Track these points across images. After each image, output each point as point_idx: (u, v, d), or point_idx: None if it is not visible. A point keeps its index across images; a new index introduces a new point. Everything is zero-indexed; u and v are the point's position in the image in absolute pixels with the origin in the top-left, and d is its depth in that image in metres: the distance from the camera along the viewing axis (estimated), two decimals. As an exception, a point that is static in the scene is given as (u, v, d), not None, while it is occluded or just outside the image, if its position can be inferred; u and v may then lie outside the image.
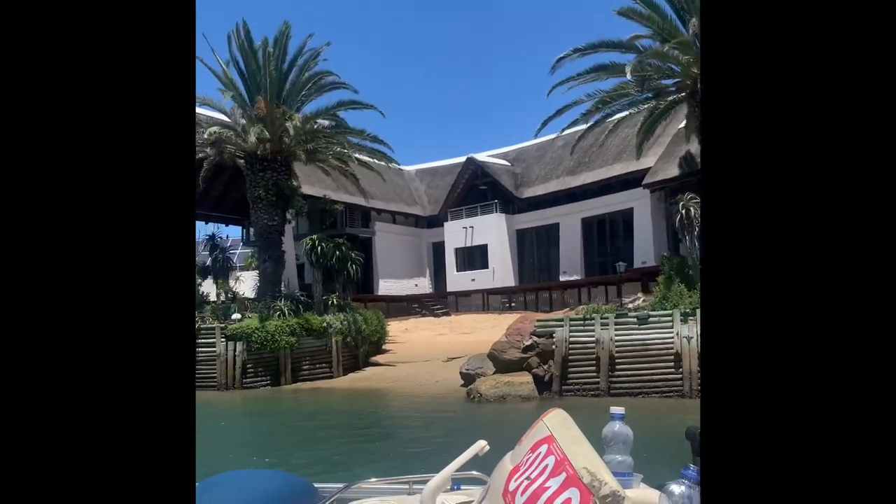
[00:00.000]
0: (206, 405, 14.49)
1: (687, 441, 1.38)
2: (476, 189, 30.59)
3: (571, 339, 12.81)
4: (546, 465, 1.16)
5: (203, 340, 17.73)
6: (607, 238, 26.10)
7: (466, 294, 29.06)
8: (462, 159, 32.41)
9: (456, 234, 29.92)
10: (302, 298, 19.87)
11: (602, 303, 19.48)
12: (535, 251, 28.85)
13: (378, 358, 20.50)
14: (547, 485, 1.11)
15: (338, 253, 20.44)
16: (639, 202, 23.78)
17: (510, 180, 29.73)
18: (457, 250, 29.97)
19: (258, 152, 20.04)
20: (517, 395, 12.47)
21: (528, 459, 1.25)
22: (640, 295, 17.54)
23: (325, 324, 18.58)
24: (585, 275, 26.17)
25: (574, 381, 12.67)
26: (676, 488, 1.06)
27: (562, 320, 13.16)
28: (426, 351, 20.82)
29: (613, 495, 1.00)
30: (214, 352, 17.50)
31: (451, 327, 25.10)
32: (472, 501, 1.42)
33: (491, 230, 28.84)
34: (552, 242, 27.96)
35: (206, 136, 19.17)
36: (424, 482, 1.41)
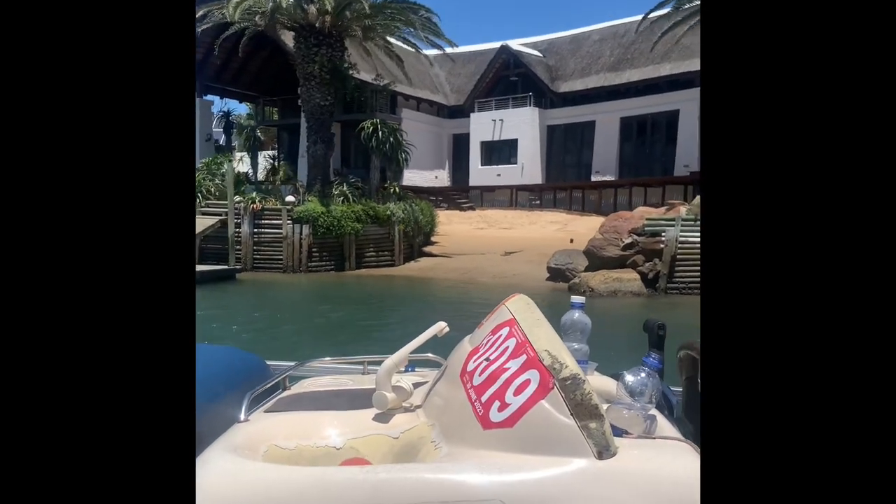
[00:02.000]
0: (316, 287, 14.03)
1: (644, 333, 1.44)
2: (505, 80, 29.58)
3: (681, 238, 12.95)
4: (506, 347, 1.16)
5: (268, 221, 17.30)
6: (647, 140, 25.93)
7: (491, 189, 28.81)
8: (486, 46, 31.13)
9: (483, 126, 29.18)
10: (359, 184, 19.34)
11: (644, 205, 19.60)
12: (566, 149, 28.53)
13: (429, 249, 20.44)
14: (507, 366, 1.11)
15: (391, 139, 19.78)
16: (686, 104, 23.48)
17: (545, 73, 28.80)
18: (483, 143, 29.36)
19: (316, 25, 18.68)
20: (628, 290, 12.70)
21: (487, 341, 1.24)
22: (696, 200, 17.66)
23: (388, 212, 18.26)
24: (620, 176, 26.17)
25: (679, 279, 12.93)
26: (634, 376, 1.08)
27: (673, 220, 13.23)
28: (473, 244, 20.85)
29: (574, 378, 0.99)
30: (280, 233, 17.13)
31: (487, 222, 25.07)
32: (427, 381, 1.43)
33: (523, 124, 28.21)
34: (586, 141, 27.64)
35: (235, 7, 17.62)
36: (379, 363, 1.42)
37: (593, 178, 26.79)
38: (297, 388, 1.57)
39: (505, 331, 1.22)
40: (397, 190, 19.10)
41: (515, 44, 29.95)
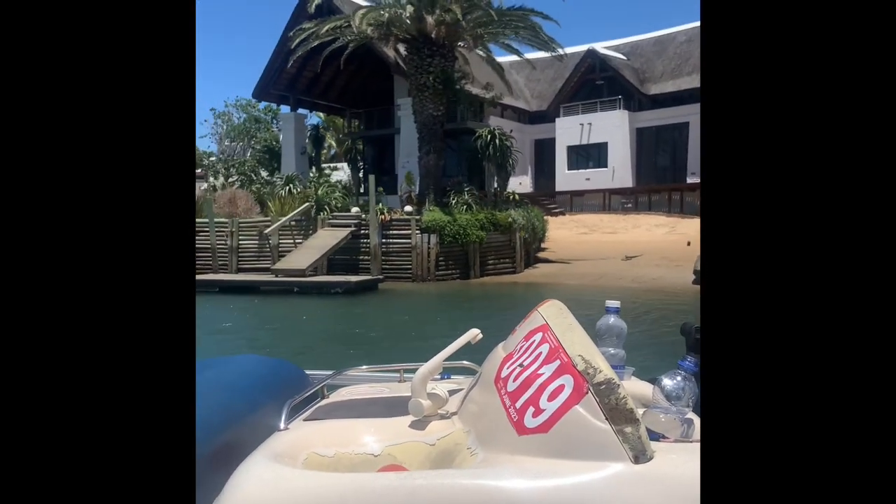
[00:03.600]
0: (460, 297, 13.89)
1: (682, 336, 1.39)
2: (590, 84, 29.41)
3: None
4: (540, 353, 1.15)
5: (396, 232, 17.45)
6: (748, 139, 25.45)
7: (580, 193, 28.63)
8: (564, 51, 30.97)
9: (570, 130, 29.05)
10: (474, 192, 19.41)
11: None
12: (657, 151, 28.21)
13: (542, 255, 20.39)
14: (540, 371, 1.10)
15: (503, 147, 19.82)
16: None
17: (633, 76, 28.56)
18: (569, 147, 29.23)
19: (432, 35, 18.85)
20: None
21: (521, 347, 1.23)
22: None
23: (510, 219, 18.28)
24: (719, 177, 25.73)
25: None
26: (671, 380, 1.05)
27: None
28: (583, 249, 20.72)
29: (608, 382, 0.97)
30: (409, 243, 17.27)
31: (587, 227, 24.91)
32: (462, 389, 1.42)
33: (612, 128, 28.00)
34: (679, 142, 27.28)
35: (361, 18, 17.87)
36: (414, 370, 1.40)
37: (689, 181, 26.40)
38: (335, 397, 1.57)
39: (538, 336, 1.21)
40: (516, 197, 19.09)
41: (600, 47, 29.77)
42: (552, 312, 1.26)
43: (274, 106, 30.66)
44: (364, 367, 1.75)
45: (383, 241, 17.48)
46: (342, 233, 17.20)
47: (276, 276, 15.89)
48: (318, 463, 1.23)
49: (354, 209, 19.02)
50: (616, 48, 30.73)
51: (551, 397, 1.04)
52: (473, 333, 1.46)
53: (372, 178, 17.75)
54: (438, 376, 1.46)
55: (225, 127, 32.23)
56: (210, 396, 1.31)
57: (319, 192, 18.72)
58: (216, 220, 19.25)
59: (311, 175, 21.75)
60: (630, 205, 27.60)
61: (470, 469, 1.11)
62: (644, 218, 25.40)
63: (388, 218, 17.52)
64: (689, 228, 21.22)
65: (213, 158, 31.03)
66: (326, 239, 17.09)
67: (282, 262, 16.28)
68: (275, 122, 31.92)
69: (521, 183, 30.62)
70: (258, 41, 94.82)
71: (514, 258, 18.54)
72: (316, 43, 19.70)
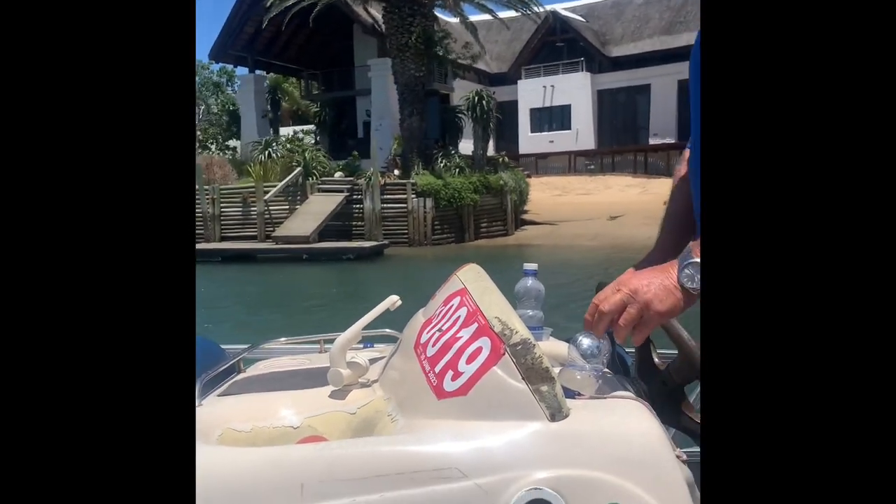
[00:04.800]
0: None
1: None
2: (550, 45, 29.58)
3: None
4: (458, 317, 1.17)
5: (391, 196, 17.20)
6: (708, 101, 26.40)
7: (544, 156, 28.99)
8: (544, 9, 31.05)
9: (532, 93, 29.22)
10: (461, 156, 19.31)
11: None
12: (619, 113, 28.84)
13: (527, 217, 20.62)
14: (458, 335, 1.12)
15: (488, 110, 19.76)
16: (749, 65, 23.97)
17: (594, 38, 28.90)
18: (532, 110, 29.44)
19: (415, -7, 18.39)
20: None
21: (440, 312, 1.25)
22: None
23: (501, 181, 18.34)
24: (680, 138, 26.65)
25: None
26: (585, 339, 1.07)
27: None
28: (564, 211, 21.10)
29: (524, 342, 1.00)
30: (405, 208, 17.06)
31: (560, 189, 25.31)
32: (384, 357, 1.42)
33: (575, 90, 28.35)
34: (640, 105, 27.99)
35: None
36: (335, 340, 1.40)
37: (651, 142, 27.21)
38: (252, 371, 1.53)
39: (456, 300, 1.21)
40: (506, 159, 19.14)
41: (559, 8, 29.89)
42: (470, 276, 1.26)
43: (228, 67, 29.16)
44: (283, 339, 1.70)
45: (382, 206, 17.19)
46: (337, 198, 16.79)
47: (277, 244, 15.37)
48: (234, 439, 1.20)
49: (338, 174, 18.56)
50: (574, 10, 30.95)
51: (469, 360, 1.05)
52: (392, 300, 1.41)
53: (374, 140, 17.32)
54: (360, 345, 1.44)
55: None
56: None
57: (307, 155, 18.10)
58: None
59: (282, 138, 20.93)
60: (593, 166, 28.20)
61: (390, 436, 1.11)
62: (613, 179, 26.06)
63: (381, 182, 17.19)
64: (661, 188, 21.95)
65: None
66: (321, 204, 16.63)
67: (281, 230, 15.75)
68: (229, 84, 30.37)
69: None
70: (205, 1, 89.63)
71: (506, 221, 18.70)
72: (291, 1, 18.82)
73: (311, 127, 28.77)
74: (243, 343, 1.69)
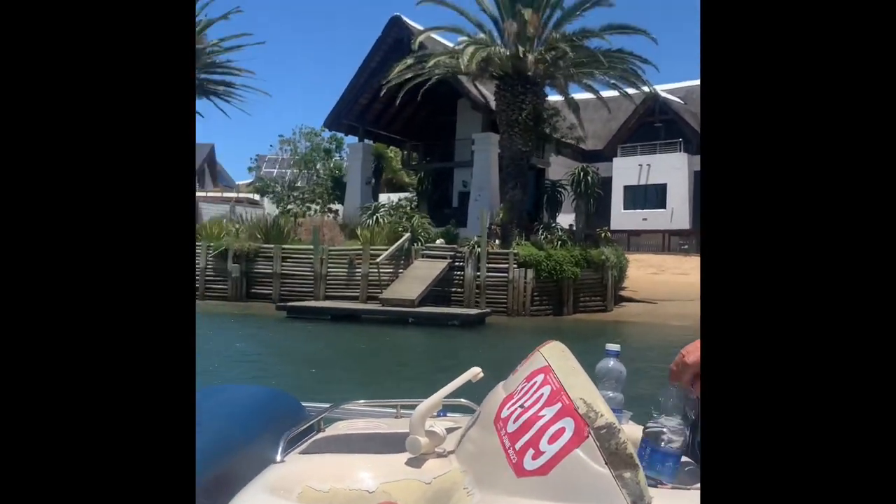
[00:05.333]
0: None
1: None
2: (647, 125, 29.90)
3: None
4: (541, 395, 1.14)
5: (492, 265, 17.53)
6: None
7: (636, 233, 28.85)
8: (612, 93, 31.59)
9: (627, 170, 29.42)
10: (562, 229, 19.58)
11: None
12: (717, 194, 28.45)
13: (624, 293, 20.44)
14: (541, 413, 1.09)
15: (593, 185, 20.08)
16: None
17: (692, 119, 29.02)
18: (626, 188, 29.56)
19: (529, 73, 19.23)
20: None
21: (522, 388, 1.22)
22: None
23: (603, 256, 18.39)
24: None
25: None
26: (669, 422, 1.06)
27: None
28: (663, 290, 20.70)
29: (609, 427, 0.97)
30: (506, 277, 17.32)
31: (655, 267, 24.99)
32: (460, 427, 1.41)
33: (671, 169, 28.38)
34: (740, 187, 27.56)
35: (471, 56, 18.28)
36: (412, 406, 1.41)
37: (751, 224, 26.59)
38: (331, 431, 1.56)
39: (540, 378, 1.20)
40: (608, 234, 19.24)
41: (660, 90, 30.31)
42: (554, 354, 1.26)
43: (339, 135, 31.05)
44: (361, 401, 1.76)
45: (479, 274, 17.53)
46: (440, 264, 17.28)
47: (383, 306, 15.91)
48: (313, 497, 1.22)
49: (438, 241, 19.15)
50: (672, 91, 31.29)
51: (552, 440, 1.04)
52: (474, 372, 1.45)
53: (484, 212, 17.89)
54: (435, 413, 1.45)
55: (289, 153, 32.57)
56: (208, 425, 1.32)
57: (413, 222, 18.84)
58: (303, 246, 19.35)
59: (384, 204, 21.89)
60: (687, 246, 27.75)
61: None
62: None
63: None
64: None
65: (278, 187, 31.26)
66: (425, 270, 17.16)
67: (388, 292, 16.32)
68: (337, 151, 32.23)
69: (572, 221, 30.94)
70: (318, 76, 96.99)
71: (605, 296, 18.59)
72: (410, 75, 20.07)
73: (407, 195, 29.96)
74: (324, 401, 1.75)
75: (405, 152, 30.68)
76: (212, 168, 47.30)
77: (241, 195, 41.30)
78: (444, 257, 17.70)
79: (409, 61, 19.95)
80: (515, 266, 17.28)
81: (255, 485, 1.22)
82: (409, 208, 22.33)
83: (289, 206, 28.45)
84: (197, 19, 25.04)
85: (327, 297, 18.23)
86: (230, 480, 1.23)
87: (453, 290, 17.55)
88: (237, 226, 21.55)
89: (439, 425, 1.35)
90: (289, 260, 19.07)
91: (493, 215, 22.63)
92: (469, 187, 27.52)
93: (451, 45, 22.41)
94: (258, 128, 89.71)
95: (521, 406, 1.18)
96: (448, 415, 1.61)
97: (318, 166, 31.14)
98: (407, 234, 18.07)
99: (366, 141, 27.87)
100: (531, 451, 1.06)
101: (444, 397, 1.40)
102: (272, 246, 19.16)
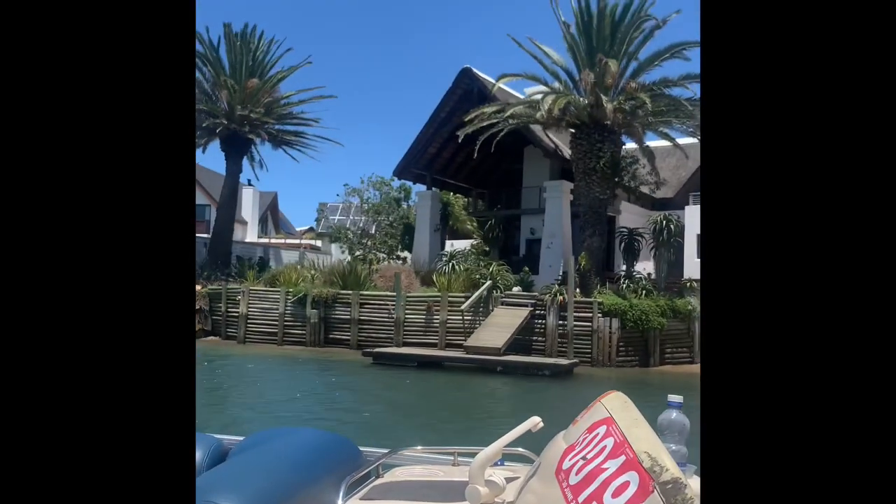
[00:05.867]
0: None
1: None
2: (719, 174, 29.32)
3: None
4: (604, 447, 1.13)
5: (577, 314, 17.13)
6: None
7: (711, 282, 27.96)
8: (687, 140, 31.25)
9: (699, 219, 28.73)
10: (643, 278, 19.11)
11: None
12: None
13: (708, 345, 19.68)
14: (605, 466, 1.09)
15: (675, 232, 19.65)
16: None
17: (768, 167, 28.43)
18: (699, 236, 28.83)
19: (607, 121, 19.18)
20: None
21: (584, 440, 1.21)
22: None
23: (689, 306, 17.79)
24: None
25: None
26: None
27: None
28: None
29: (675, 482, 0.96)
30: (589, 326, 16.89)
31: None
32: (519, 477, 1.40)
33: (747, 218, 27.61)
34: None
35: (552, 103, 18.35)
36: (469, 454, 1.45)
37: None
38: (389, 477, 1.58)
39: (602, 429, 1.19)
40: (694, 284, 18.66)
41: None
42: (617, 405, 1.25)
43: (407, 184, 31.53)
44: (419, 447, 1.76)
45: (561, 322, 17.15)
46: (521, 312, 16.99)
47: (468, 353, 15.65)
48: None
49: (515, 288, 18.91)
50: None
51: (616, 494, 1.03)
52: (535, 421, 1.44)
53: (571, 259, 17.66)
54: (494, 462, 1.44)
55: (359, 202, 33.19)
56: (271, 468, 1.38)
57: (492, 269, 18.70)
58: (380, 293, 19.39)
59: (457, 251, 21.87)
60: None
61: None
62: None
63: (564, 300, 17.26)
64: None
65: (350, 234, 31.77)
66: (507, 318, 16.88)
67: (473, 340, 16.08)
68: (405, 200, 32.69)
69: (645, 268, 30.29)
70: (386, 126, 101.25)
71: (692, 347, 17.89)
72: (484, 124, 20.26)
73: (472, 241, 29.98)
74: (381, 447, 1.76)
75: (469, 200, 30.81)
76: (274, 215, 48.53)
77: (305, 241, 42.19)
78: (524, 305, 17.41)
79: (489, 110, 20.14)
80: (600, 315, 16.84)
81: None
82: (477, 255, 22.24)
83: (356, 253, 28.78)
84: (271, 71, 26.13)
85: (405, 344, 18.10)
86: None
87: (534, 338, 17.18)
88: (312, 272, 21.80)
89: (498, 475, 1.35)
90: (366, 306, 19.10)
91: (565, 262, 22.45)
92: (537, 234, 27.44)
93: (517, 94, 22.64)
94: (312, 177, 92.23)
95: (584, 458, 1.18)
96: (506, 463, 1.60)
97: (390, 216, 31.58)
98: (488, 282, 17.88)
99: (433, 189, 28.17)
100: None
101: (504, 446, 1.40)
102: (350, 292, 19.26)
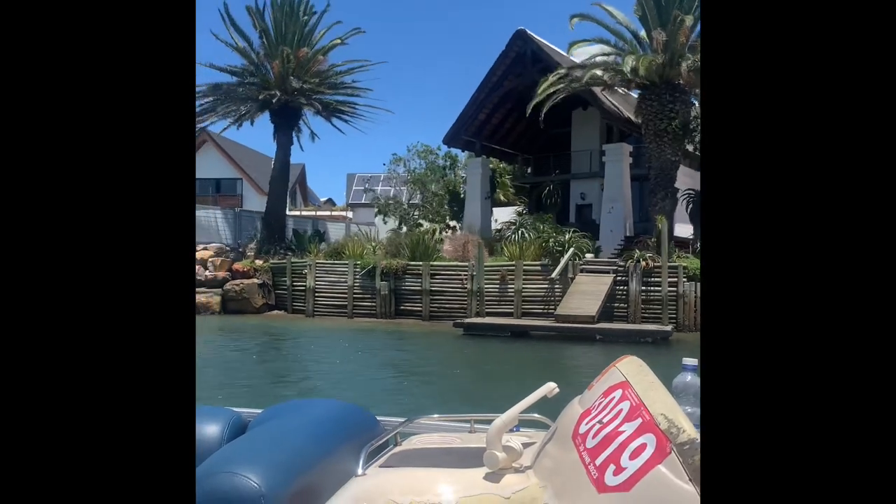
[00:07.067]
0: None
1: None
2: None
3: None
4: (620, 410, 1.15)
5: (656, 279, 16.88)
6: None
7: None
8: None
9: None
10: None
11: None
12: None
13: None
14: (621, 429, 1.10)
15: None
16: None
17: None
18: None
19: (679, 81, 18.67)
20: None
21: (599, 404, 1.24)
22: None
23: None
24: None
25: None
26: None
27: None
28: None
29: (691, 442, 0.97)
30: (673, 292, 16.64)
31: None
32: (535, 442, 1.43)
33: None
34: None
35: (637, 61, 17.84)
36: (485, 420, 1.47)
37: None
38: (407, 445, 1.60)
39: (618, 393, 1.21)
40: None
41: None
42: (632, 370, 1.26)
43: (454, 152, 31.09)
44: (436, 415, 1.80)
45: (643, 288, 16.93)
46: (605, 279, 16.75)
47: (558, 322, 15.48)
48: None
49: (588, 255, 18.65)
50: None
51: (633, 455, 1.04)
52: (550, 387, 1.46)
53: (664, 222, 17.35)
54: (510, 428, 1.47)
55: (404, 172, 32.81)
56: (291, 439, 1.42)
57: (569, 237, 18.43)
58: (450, 263, 19.18)
59: (526, 218, 21.53)
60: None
61: None
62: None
63: (648, 265, 17.00)
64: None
65: (391, 202, 31.45)
66: (591, 285, 16.65)
67: (562, 308, 15.88)
68: (451, 168, 32.26)
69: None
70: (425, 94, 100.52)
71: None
72: (553, 90, 19.77)
73: (512, 209, 29.60)
74: (398, 416, 1.81)
75: (515, 166, 30.37)
76: (302, 188, 48.21)
77: (336, 213, 41.90)
78: (605, 272, 17.17)
79: (561, 72, 19.63)
80: (685, 280, 16.59)
81: (341, 497, 1.28)
82: (537, 222, 21.91)
83: (414, 223, 28.46)
84: (320, 43, 25.54)
85: (485, 314, 17.95)
86: (312, 492, 1.30)
87: (617, 305, 16.98)
88: (372, 243, 21.59)
89: (515, 440, 1.35)
90: (437, 276, 18.92)
91: (627, 227, 22.10)
92: (587, 199, 27.05)
93: (569, 57, 22.02)
94: (332, 149, 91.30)
95: (600, 422, 1.18)
96: (521, 429, 1.62)
97: (431, 186, 31.17)
98: (571, 249, 17.61)
99: (483, 156, 27.73)
100: (612, 467, 1.07)
101: (520, 412, 1.41)
102: (420, 263, 19.05)
